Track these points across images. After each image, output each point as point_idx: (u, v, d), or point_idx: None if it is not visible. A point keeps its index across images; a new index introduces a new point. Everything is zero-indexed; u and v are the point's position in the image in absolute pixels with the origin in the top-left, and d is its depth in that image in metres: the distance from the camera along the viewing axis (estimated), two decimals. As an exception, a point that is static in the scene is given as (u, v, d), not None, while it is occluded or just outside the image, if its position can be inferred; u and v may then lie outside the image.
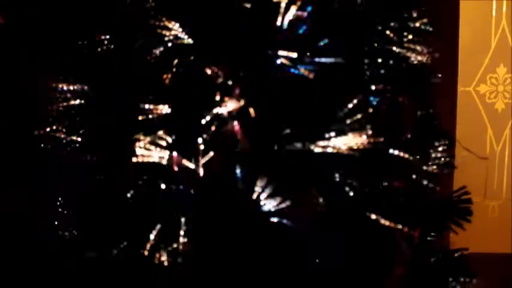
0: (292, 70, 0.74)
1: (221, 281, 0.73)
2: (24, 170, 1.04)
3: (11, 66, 1.18)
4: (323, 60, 0.75)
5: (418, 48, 0.88)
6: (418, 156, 0.79)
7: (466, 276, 0.97)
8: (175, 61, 0.81)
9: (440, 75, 1.11)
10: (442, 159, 0.94)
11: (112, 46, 0.90)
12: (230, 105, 0.73)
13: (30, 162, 1.02)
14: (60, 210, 0.97)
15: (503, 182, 2.14)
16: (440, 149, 0.93)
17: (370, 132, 0.71)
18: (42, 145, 1.05)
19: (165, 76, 0.81)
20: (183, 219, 0.75)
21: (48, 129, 0.97)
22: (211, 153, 0.74)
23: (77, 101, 0.98)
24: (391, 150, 0.78)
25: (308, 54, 0.74)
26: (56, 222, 0.91)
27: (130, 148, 0.73)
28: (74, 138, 1.01)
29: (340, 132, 0.74)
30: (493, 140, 2.11)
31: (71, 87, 0.96)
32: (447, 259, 1.04)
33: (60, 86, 0.97)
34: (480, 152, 2.13)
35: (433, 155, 0.84)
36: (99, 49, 0.93)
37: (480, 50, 2.01)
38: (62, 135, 1.04)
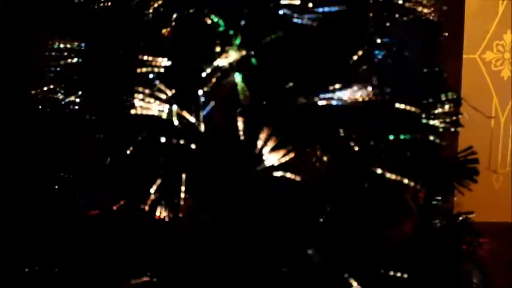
0: (295, 20, 0.72)
1: (222, 236, 0.72)
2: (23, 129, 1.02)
3: (9, 25, 1.16)
4: (326, 9, 0.72)
5: (425, 1, 0.85)
6: (424, 111, 0.78)
7: (472, 236, 0.96)
8: (175, 15, 0.79)
9: (446, 34, 1.08)
10: (448, 118, 0.92)
11: (109, 1, 0.88)
12: (231, 57, 0.71)
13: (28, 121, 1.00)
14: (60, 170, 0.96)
15: (508, 151, 2.12)
16: (447, 106, 0.91)
17: (375, 83, 0.69)
18: (40, 106, 1.03)
19: (164, 30, 0.79)
20: (183, 175, 0.74)
21: (45, 89, 0.96)
22: (212, 106, 0.72)
23: (75, 60, 0.96)
24: (396, 104, 0.76)
25: (311, 3, 0.71)
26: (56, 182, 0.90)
27: (129, 102, 0.71)
28: (72, 99, 1.00)
29: (345, 85, 0.72)
30: (499, 109, 2.08)
31: (68, 45, 0.94)
32: (452, 220, 1.03)
33: (56, 44, 0.95)
34: (485, 122, 2.11)
35: (439, 111, 0.82)
36: (96, 5, 0.91)
37: (487, 16, 1.97)
38: (60, 96, 1.02)
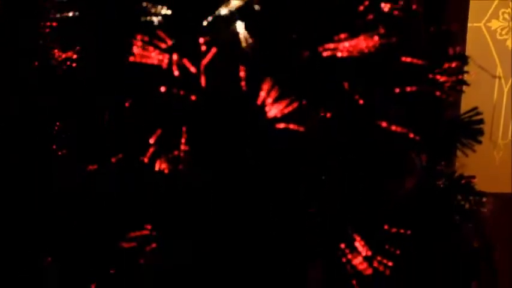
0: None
1: (223, 191, 0.71)
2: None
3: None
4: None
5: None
6: (430, 65, 0.76)
7: (475, 195, 0.95)
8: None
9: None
10: (454, 76, 0.90)
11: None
12: (233, 4, 0.69)
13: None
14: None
15: (510, 121, 2.11)
16: (453, 64, 0.89)
17: (382, 31, 0.67)
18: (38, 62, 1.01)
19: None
20: (184, 127, 0.72)
21: (42, 43, 0.94)
22: (214, 56, 0.70)
23: (71, 13, 0.94)
24: (403, 57, 0.74)
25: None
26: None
27: (128, 50, 0.69)
28: (70, 55, 0.98)
29: (351, 35, 0.70)
30: (502, 79, 2.06)
31: (65, -3, 0.92)
32: (455, 181, 1.02)
33: (53, -4, 0.93)
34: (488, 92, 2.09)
35: (446, 67, 0.81)
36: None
37: (493, -17, 1.94)
38: (58, 53, 1.00)
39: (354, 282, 0.79)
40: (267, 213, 0.74)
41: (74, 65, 0.97)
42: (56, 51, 1.00)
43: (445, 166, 1.06)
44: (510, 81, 2.08)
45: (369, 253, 0.71)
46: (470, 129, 0.99)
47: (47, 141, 0.89)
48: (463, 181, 1.04)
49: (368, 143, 0.73)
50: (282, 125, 0.71)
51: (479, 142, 1.02)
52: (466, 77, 0.94)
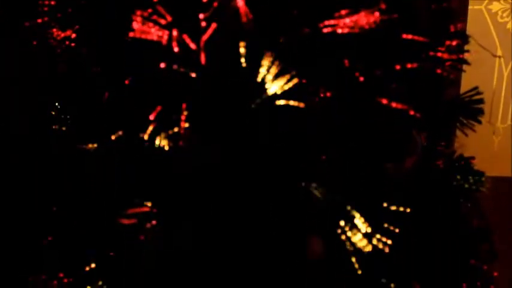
0: None
1: (222, 166, 0.71)
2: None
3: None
4: None
5: None
6: (431, 42, 0.75)
7: (474, 175, 0.95)
8: None
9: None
10: (454, 54, 0.90)
11: None
12: (233, -21, 0.69)
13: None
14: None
15: (510, 105, 2.11)
16: (454, 42, 0.88)
17: (383, 7, 0.66)
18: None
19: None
20: (184, 104, 0.72)
21: (40, 21, 0.93)
22: (214, 32, 0.69)
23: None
24: (404, 34, 0.74)
25: None
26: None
27: (128, 26, 0.68)
28: (69, 34, 0.97)
29: (352, 10, 0.69)
30: (502, 61, 2.05)
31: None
32: (454, 161, 1.02)
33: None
34: (487, 75, 2.08)
35: (447, 44, 0.80)
36: None
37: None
38: (56, 32, 0.99)
39: (354, 260, 0.79)
40: (267, 190, 0.74)
41: (72, 44, 0.96)
42: (54, 30, 0.99)
43: (444, 147, 1.06)
44: (510, 64, 2.08)
45: (369, 230, 0.71)
46: (471, 109, 0.99)
47: (46, 120, 0.88)
48: (462, 161, 1.05)
49: (369, 120, 0.73)
50: (282, 102, 0.71)
51: (479, 122, 1.02)
52: (466, 56, 0.94)
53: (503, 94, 2.06)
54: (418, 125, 0.80)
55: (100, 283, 0.86)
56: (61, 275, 0.94)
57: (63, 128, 0.84)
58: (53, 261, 0.92)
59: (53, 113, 0.87)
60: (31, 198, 0.90)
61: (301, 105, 0.67)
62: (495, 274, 1.06)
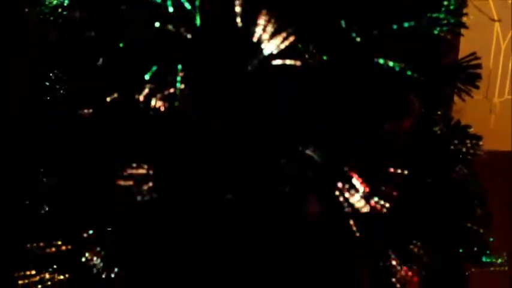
0: None
1: (220, 127, 0.70)
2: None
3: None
4: None
5: None
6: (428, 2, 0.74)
7: (471, 139, 0.95)
8: None
9: None
10: (452, 17, 0.89)
11: None
12: None
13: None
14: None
15: (507, 79, 2.10)
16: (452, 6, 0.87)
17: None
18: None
19: None
20: (179, 65, 0.71)
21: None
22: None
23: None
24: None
25: None
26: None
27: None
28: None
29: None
30: (500, 35, 2.04)
31: None
32: (452, 127, 1.02)
33: None
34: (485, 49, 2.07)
35: (445, 3, 0.79)
36: None
37: None
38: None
39: (352, 222, 0.79)
40: (265, 153, 0.73)
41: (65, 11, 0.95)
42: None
43: (441, 115, 1.06)
44: (508, 37, 2.07)
45: (367, 189, 0.71)
46: (469, 74, 0.98)
47: (42, 87, 0.88)
48: (459, 127, 1.04)
49: (366, 81, 0.72)
50: (278, 62, 0.70)
51: (477, 87, 1.01)
52: (464, 19, 0.93)
53: (500, 67, 2.05)
54: (415, 87, 0.80)
55: (98, 249, 0.86)
56: (58, 242, 0.94)
57: (59, 94, 0.83)
58: (50, 229, 0.92)
59: (49, 79, 0.86)
60: (29, 165, 0.89)
61: (298, 63, 0.66)
62: (491, 239, 1.06)
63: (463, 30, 1.00)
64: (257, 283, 0.75)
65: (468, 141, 0.92)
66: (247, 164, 0.72)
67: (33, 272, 1.04)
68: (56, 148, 0.79)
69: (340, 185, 0.75)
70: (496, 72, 2.12)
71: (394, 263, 0.86)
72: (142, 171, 0.71)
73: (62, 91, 0.84)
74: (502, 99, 2.17)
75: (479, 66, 0.99)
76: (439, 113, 1.04)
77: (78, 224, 0.87)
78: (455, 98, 1.14)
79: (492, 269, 1.11)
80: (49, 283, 1.03)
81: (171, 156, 0.71)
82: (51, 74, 0.92)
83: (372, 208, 0.79)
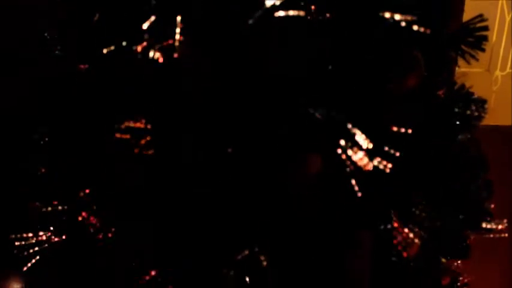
0: None
1: (217, 78, 0.68)
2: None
3: None
4: None
5: None
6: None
7: (476, 103, 0.93)
8: None
9: None
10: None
11: None
12: None
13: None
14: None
15: (510, 52, 2.07)
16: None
17: None
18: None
19: None
20: (178, 17, 0.69)
21: None
22: None
23: None
24: None
25: None
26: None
27: None
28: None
29: None
30: (505, 7, 2.01)
31: None
32: (456, 91, 1.00)
33: None
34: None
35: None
36: None
37: None
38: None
39: (353, 181, 0.78)
40: (265, 110, 0.72)
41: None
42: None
43: (445, 78, 1.04)
44: (512, 10, 2.04)
45: (370, 146, 0.69)
46: (474, 36, 0.96)
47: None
48: (463, 91, 1.03)
49: (371, 35, 0.70)
50: (281, 13, 0.68)
51: (483, 50, 0.99)
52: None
53: (504, 40, 2.02)
54: (421, 44, 0.78)
55: (94, 208, 0.85)
56: (55, 202, 0.93)
57: (56, 51, 0.81)
58: (46, 189, 0.91)
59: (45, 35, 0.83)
60: (27, 124, 0.87)
61: (302, 13, 0.64)
62: (492, 206, 1.06)
63: (467, 2, 0.98)
64: (255, 242, 0.74)
65: (473, 105, 0.90)
66: (248, 119, 0.70)
67: (30, 234, 1.03)
68: (53, 103, 0.77)
69: (342, 142, 0.73)
70: (499, 44, 2.09)
71: (395, 225, 0.85)
72: (140, 125, 0.70)
73: (58, 46, 0.81)
74: (504, 72, 2.15)
75: (485, 28, 0.97)
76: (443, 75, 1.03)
77: (75, 183, 0.85)
78: (456, 70, 1.12)
79: (492, 235, 1.10)
80: (46, 245, 1.03)
81: (170, 110, 0.69)
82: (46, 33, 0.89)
83: (375, 167, 0.78)
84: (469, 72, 1.10)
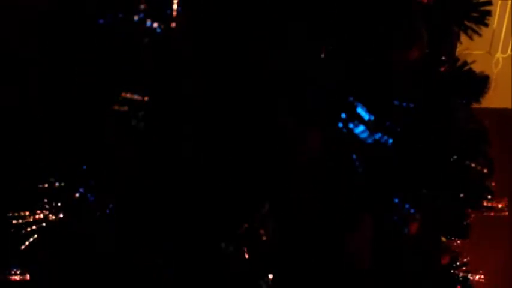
0: None
1: (216, 45, 0.66)
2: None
3: None
4: None
5: None
6: None
7: (478, 80, 0.92)
8: None
9: None
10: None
11: None
12: None
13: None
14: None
15: (511, 34, 2.05)
16: None
17: None
18: None
19: None
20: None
21: None
22: None
23: None
24: None
25: None
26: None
27: None
28: None
29: None
30: (506, -10, 1.99)
31: None
32: (458, 68, 0.99)
33: None
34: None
35: None
36: None
37: None
38: None
39: (354, 155, 0.77)
40: (267, 80, 0.70)
41: None
42: None
43: (448, 54, 1.03)
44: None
45: (372, 117, 0.68)
46: (478, 11, 0.94)
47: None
48: (465, 68, 1.01)
49: (373, 5, 0.69)
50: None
51: (486, 25, 0.98)
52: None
53: (506, 20, 2.00)
54: (424, 16, 0.76)
55: (92, 183, 0.84)
56: (51, 179, 0.91)
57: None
58: (42, 165, 0.90)
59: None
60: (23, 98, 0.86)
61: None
62: (493, 184, 1.05)
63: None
64: (255, 216, 0.73)
65: (475, 80, 0.89)
66: (248, 90, 0.68)
67: (27, 213, 1.02)
68: (48, 72, 0.76)
69: (344, 115, 0.72)
70: (500, 26, 2.07)
71: (396, 201, 0.84)
72: (137, 97, 0.68)
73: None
74: (505, 55, 2.13)
75: (489, 2, 0.95)
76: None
77: (72, 159, 0.84)
78: (457, 52, 1.11)
79: (492, 214, 1.10)
80: (43, 224, 1.02)
81: (167, 81, 0.67)
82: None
83: (375, 143, 0.77)
84: (470, 55, 1.09)
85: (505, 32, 2.03)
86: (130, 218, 0.85)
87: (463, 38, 1.08)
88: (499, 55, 2.04)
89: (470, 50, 1.08)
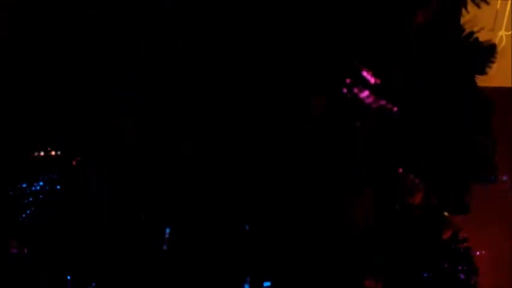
0: None
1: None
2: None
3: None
4: None
5: None
6: None
7: (484, 49, 0.89)
8: None
9: None
10: None
11: None
12: None
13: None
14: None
15: (515, 12, 2.03)
16: None
17: None
18: None
19: None
20: None
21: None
22: None
23: None
24: None
25: None
26: None
27: None
28: None
29: None
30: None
31: None
32: (463, 38, 0.97)
33: None
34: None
35: None
36: None
37: None
38: None
39: (358, 124, 0.75)
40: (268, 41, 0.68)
41: None
42: None
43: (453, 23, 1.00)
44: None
45: (378, 81, 0.66)
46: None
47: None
48: (471, 39, 0.99)
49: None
50: None
51: (487, 3, 0.95)
52: None
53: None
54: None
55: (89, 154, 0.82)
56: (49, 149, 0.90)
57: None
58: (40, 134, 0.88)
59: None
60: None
61: None
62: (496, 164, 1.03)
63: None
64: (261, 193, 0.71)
65: (480, 49, 0.86)
66: (252, 59, 0.66)
67: (24, 185, 1.01)
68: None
69: (348, 80, 0.70)
70: (504, 4, 2.04)
71: (399, 170, 0.83)
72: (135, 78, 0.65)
73: None
74: (509, 32, 2.10)
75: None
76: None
77: (69, 128, 0.82)
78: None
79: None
80: (40, 196, 1.00)
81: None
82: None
83: (380, 112, 0.75)
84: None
85: (510, 9, 2.00)
86: (128, 190, 0.83)
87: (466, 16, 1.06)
88: (502, 32, 2.01)
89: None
